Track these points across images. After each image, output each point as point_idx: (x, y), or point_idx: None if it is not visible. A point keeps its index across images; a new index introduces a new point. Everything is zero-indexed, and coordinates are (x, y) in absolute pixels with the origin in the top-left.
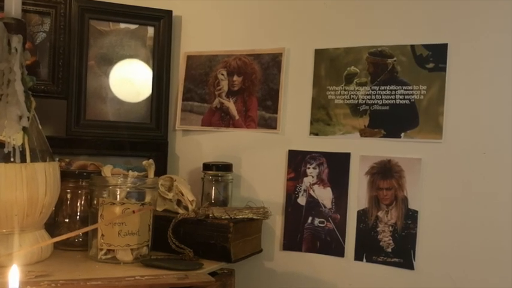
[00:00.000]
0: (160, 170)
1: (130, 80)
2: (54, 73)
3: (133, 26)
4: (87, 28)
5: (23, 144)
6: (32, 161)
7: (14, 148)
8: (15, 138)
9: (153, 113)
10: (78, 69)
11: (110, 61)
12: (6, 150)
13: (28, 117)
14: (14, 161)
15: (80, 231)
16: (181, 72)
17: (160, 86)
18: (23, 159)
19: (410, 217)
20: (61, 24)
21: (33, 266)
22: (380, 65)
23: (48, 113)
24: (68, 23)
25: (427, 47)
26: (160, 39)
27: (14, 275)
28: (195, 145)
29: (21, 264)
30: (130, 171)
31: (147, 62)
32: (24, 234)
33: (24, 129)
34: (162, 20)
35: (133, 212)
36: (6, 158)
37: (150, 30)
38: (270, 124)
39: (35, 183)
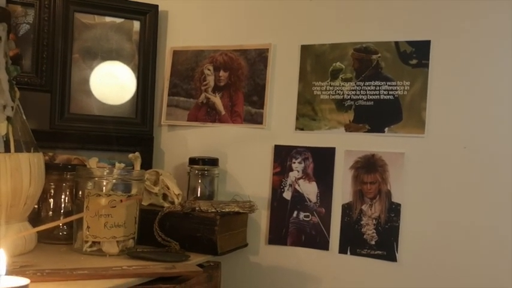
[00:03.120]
0: (146, 165)
1: (115, 74)
2: (37, 65)
3: (118, 20)
4: (71, 21)
5: (7, 134)
6: (16, 151)
7: None
8: None
9: (138, 107)
10: (63, 62)
11: (94, 55)
12: None
13: (12, 107)
14: None
15: (65, 220)
16: (167, 67)
17: (146, 81)
18: (7, 149)
19: (394, 210)
20: (45, 16)
21: (17, 258)
22: (365, 61)
23: (31, 106)
24: (52, 15)
25: (410, 43)
26: (146, 33)
27: (1, 258)
28: (181, 140)
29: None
30: (117, 163)
31: (132, 57)
32: (7, 225)
33: (8, 118)
34: (148, 14)
35: (121, 201)
36: None
37: (136, 25)
38: (256, 119)
39: (19, 173)
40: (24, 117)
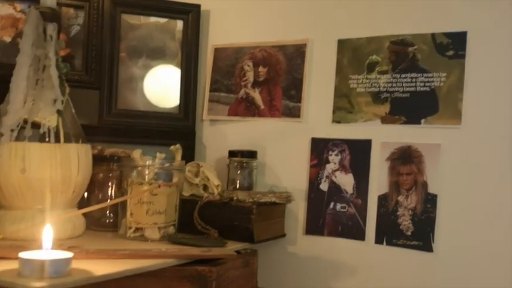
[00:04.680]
0: (188, 159)
1: (159, 72)
2: (87, 64)
3: (163, 20)
4: (118, 21)
5: (57, 126)
6: (65, 142)
7: (48, 129)
8: (49, 119)
9: (181, 103)
10: (110, 61)
11: (140, 53)
12: (41, 131)
13: (62, 101)
14: (49, 141)
15: (107, 204)
16: (208, 64)
17: (188, 78)
18: (57, 140)
19: (430, 201)
20: (94, 18)
21: (65, 241)
22: (401, 53)
23: (82, 103)
24: (100, 17)
25: (447, 35)
26: (188, 32)
27: (48, 233)
28: (221, 134)
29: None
30: (158, 153)
31: (176, 55)
32: (58, 211)
33: (58, 111)
34: (191, 14)
35: (159, 186)
36: (42, 138)
37: (179, 24)
38: (294, 113)
39: (67, 162)
40: (74, 111)
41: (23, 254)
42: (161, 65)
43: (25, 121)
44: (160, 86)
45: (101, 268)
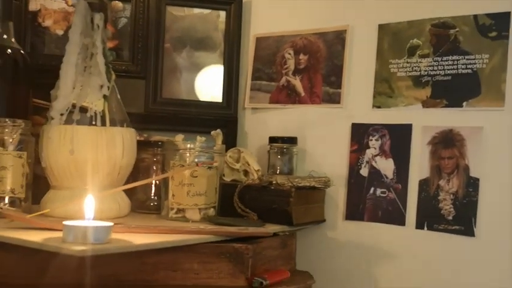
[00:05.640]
0: (230, 146)
1: (203, 61)
2: (134, 55)
3: (206, 11)
4: (163, 13)
5: (103, 110)
6: (110, 125)
7: (95, 113)
8: (96, 104)
9: (224, 92)
10: (156, 51)
11: (184, 44)
12: (88, 115)
13: (108, 87)
14: (96, 125)
15: (149, 180)
16: (250, 54)
17: (231, 67)
18: (103, 124)
19: (472, 185)
20: (140, 10)
21: (110, 220)
22: (442, 36)
23: (129, 92)
24: (146, 9)
25: (489, 15)
26: (231, 22)
27: (89, 202)
28: (263, 122)
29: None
30: (198, 136)
31: (218, 45)
32: (104, 191)
33: (104, 97)
34: (233, 5)
35: (197, 165)
36: (89, 122)
37: (222, 15)
38: (334, 99)
39: (113, 145)
40: (119, 97)
41: (67, 222)
42: (204, 55)
43: (73, 106)
44: (204, 76)
45: (141, 240)
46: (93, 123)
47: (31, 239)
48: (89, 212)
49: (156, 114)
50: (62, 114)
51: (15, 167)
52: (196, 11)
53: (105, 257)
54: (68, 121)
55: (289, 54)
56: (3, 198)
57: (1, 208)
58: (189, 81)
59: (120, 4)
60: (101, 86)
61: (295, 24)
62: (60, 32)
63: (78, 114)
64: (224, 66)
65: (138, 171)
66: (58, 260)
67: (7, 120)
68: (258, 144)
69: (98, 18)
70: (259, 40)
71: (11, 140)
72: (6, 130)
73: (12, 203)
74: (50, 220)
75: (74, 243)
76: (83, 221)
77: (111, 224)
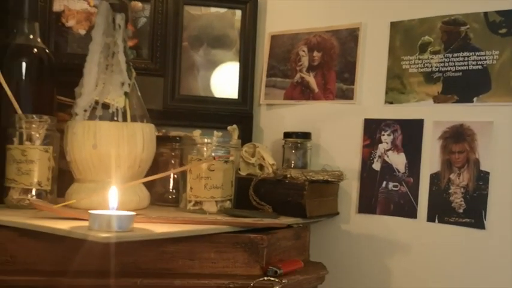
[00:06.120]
0: (246, 141)
1: (219, 59)
2: (153, 53)
3: (222, 10)
4: (181, 12)
5: (124, 107)
6: (131, 121)
7: (117, 109)
8: (118, 101)
9: (240, 89)
10: (174, 50)
11: (201, 42)
12: (110, 111)
13: (129, 84)
14: (117, 120)
15: (167, 173)
16: (265, 51)
17: (246, 64)
18: (125, 119)
19: (482, 178)
20: (159, 10)
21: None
22: (453, 33)
23: (148, 89)
24: (165, 9)
25: (500, 13)
26: (246, 21)
27: (113, 194)
28: (277, 118)
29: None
30: (215, 131)
31: (234, 43)
32: (125, 183)
33: (125, 94)
34: (248, 4)
35: (214, 158)
36: (111, 118)
37: (238, 13)
38: (347, 95)
39: (134, 140)
40: (139, 94)
41: (93, 211)
42: (221, 52)
43: (96, 102)
44: (220, 73)
45: (161, 229)
46: (115, 119)
47: (59, 227)
48: (113, 202)
49: (175, 110)
50: (85, 111)
51: (41, 160)
52: (213, 10)
53: (127, 244)
54: (91, 117)
55: (303, 51)
56: (31, 190)
57: (29, 200)
58: (206, 78)
59: (139, 4)
60: (122, 84)
61: (309, 22)
62: (82, 32)
63: (101, 111)
64: (240, 64)
65: (157, 166)
66: (83, 247)
67: (34, 116)
68: (273, 139)
69: (119, 18)
70: (274, 38)
71: (37, 135)
72: (33, 126)
73: (38, 195)
74: (75, 210)
75: (99, 231)
76: (107, 211)
77: (133, 213)
